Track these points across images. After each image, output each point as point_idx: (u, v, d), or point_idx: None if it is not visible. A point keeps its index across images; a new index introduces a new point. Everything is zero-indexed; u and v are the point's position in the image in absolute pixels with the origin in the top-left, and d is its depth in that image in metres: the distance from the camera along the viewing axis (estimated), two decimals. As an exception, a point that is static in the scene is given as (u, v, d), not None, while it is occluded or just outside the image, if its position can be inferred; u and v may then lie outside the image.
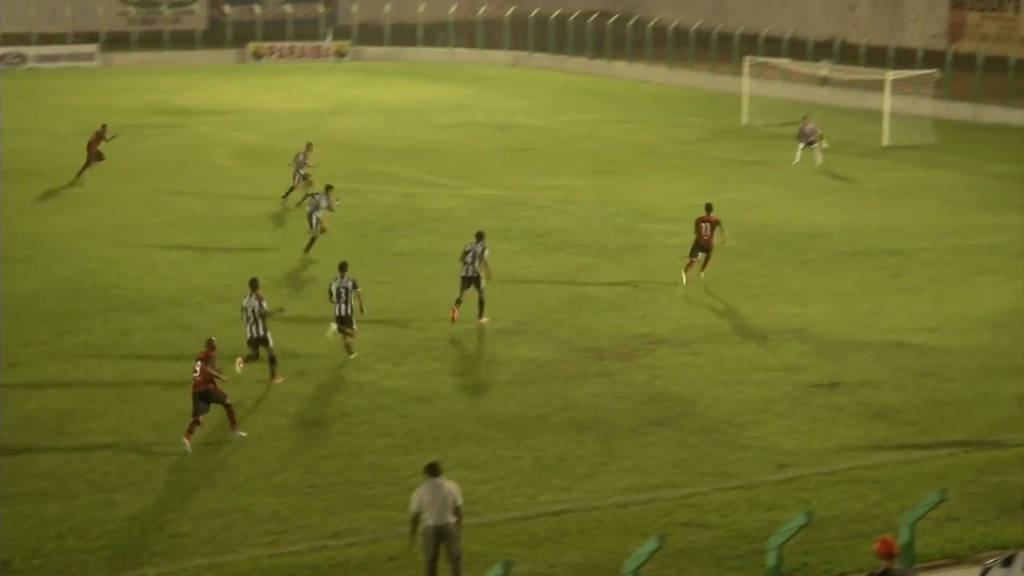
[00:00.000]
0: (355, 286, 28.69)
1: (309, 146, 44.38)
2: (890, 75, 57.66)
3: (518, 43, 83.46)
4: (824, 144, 51.06)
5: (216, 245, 38.36)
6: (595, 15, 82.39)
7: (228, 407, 24.51)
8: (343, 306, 28.57)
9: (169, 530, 21.07)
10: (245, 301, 27.32)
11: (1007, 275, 35.64)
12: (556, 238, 39.23)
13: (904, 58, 66.30)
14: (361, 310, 28.84)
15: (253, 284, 27.42)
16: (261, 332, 27.10)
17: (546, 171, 49.51)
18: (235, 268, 35.71)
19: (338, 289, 28.64)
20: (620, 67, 78.13)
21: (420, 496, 18.91)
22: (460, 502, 18.94)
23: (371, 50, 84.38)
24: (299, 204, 41.32)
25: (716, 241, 34.54)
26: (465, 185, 46.97)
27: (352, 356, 28.67)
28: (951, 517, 20.85)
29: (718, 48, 73.33)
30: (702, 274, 34.64)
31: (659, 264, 36.41)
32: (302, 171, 43.22)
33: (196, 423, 24.21)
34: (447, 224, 40.91)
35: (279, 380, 27.19)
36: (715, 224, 34.46)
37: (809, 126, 51.39)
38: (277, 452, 23.97)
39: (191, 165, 50.13)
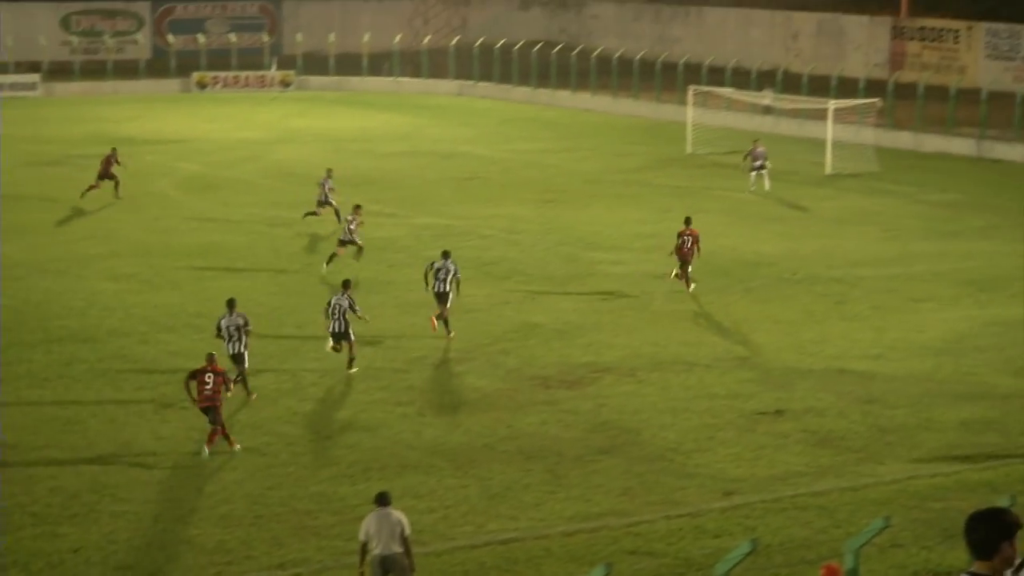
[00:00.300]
0: (352, 305, 29.69)
1: (329, 172, 44.95)
2: (832, 104, 58.10)
3: (463, 72, 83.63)
4: (767, 165, 51.52)
5: (161, 275, 38.18)
6: (539, 44, 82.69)
7: (217, 428, 25.02)
8: (337, 323, 29.47)
9: (113, 563, 20.90)
10: (224, 320, 27.94)
11: (949, 302, 35.94)
12: (502, 267, 39.28)
13: (846, 87, 66.82)
14: (365, 320, 30.04)
15: (231, 304, 28.26)
16: (240, 350, 27.82)
17: (492, 200, 49.58)
18: (180, 299, 35.56)
19: (334, 306, 29.61)
20: (565, 96, 78.43)
21: (367, 525, 18.97)
22: (408, 532, 18.94)
23: (316, 79, 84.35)
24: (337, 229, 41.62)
25: (692, 256, 36.11)
26: (411, 214, 46.96)
27: (353, 371, 29.45)
28: (895, 543, 20.97)
29: (662, 77, 73.70)
30: (690, 286, 36.14)
31: (605, 292, 36.52)
32: (329, 197, 43.80)
33: (216, 431, 25.04)
34: (393, 253, 40.88)
35: (230, 395, 27.02)
36: (695, 238, 36.17)
37: (759, 149, 51.86)
38: (222, 482, 23.85)
39: (135, 195, 49.87)
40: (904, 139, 63.95)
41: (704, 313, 34.73)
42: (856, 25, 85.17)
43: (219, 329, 28.11)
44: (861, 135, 59.25)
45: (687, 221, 36.87)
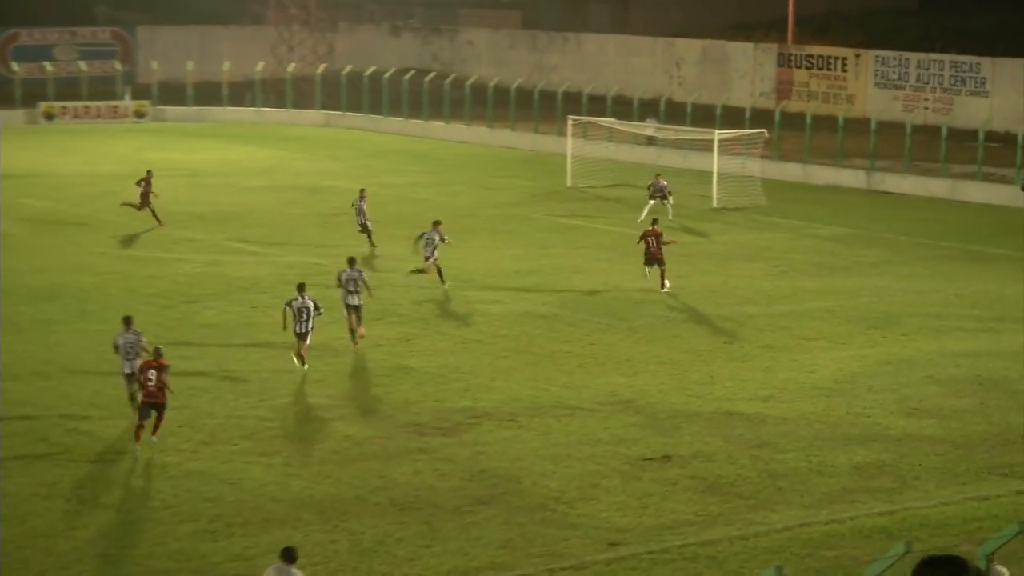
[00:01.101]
0: (316, 307, 32.66)
1: (363, 192, 48.24)
2: (718, 135, 58.75)
3: (330, 102, 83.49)
4: (671, 200, 52.26)
5: (4, 320, 37.55)
6: (411, 72, 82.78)
7: (162, 416, 27.51)
8: (303, 324, 32.41)
9: (-46, 630, 20.48)
10: (121, 339, 29.18)
11: (840, 340, 36.42)
12: (373, 308, 39.09)
13: (732, 117, 67.69)
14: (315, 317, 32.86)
15: (127, 321, 29.59)
16: (136, 369, 28.73)
17: (362, 237, 49.41)
18: (25, 344, 35.00)
19: (298, 308, 32.43)
20: (438, 127, 78.57)
21: None
22: None
23: (173, 110, 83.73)
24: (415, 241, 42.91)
25: (664, 251, 40.98)
26: (276, 252, 46.72)
27: (304, 367, 32.48)
28: (788, 593, 21.14)
29: (540, 107, 74.12)
30: (665, 287, 40.84)
31: (482, 334, 36.55)
32: (362, 217, 47.52)
33: (142, 428, 27.23)
34: (257, 294, 40.62)
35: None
36: (659, 236, 40.99)
37: (663, 182, 52.78)
38: (73, 541, 23.47)
39: (-23, 233, 49.10)
40: (792, 171, 64.85)
41: (586, 354, 34.86)
42: (741, 52, 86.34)
43: (116, 347, 29.24)
44: (748, 167, 59.99)
45: (654, 222, 42.21)
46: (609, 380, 32.70)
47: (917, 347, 35.81)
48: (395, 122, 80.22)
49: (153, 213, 50.63)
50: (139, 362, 28.62)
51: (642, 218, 51.71)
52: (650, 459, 27.45)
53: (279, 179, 63.03)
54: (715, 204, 56.52)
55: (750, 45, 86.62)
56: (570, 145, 63.52)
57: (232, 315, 38.29)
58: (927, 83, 77.76)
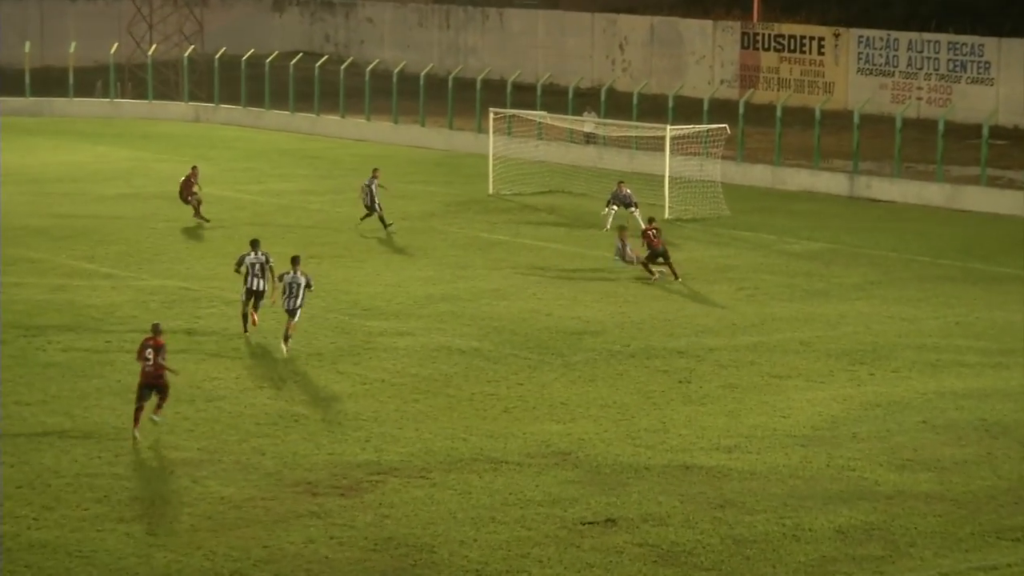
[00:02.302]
0: (308, 281, 37.85)
1: (375, 171, 54.30)
2: (670, 131, 58.98)
3: (200, 92, 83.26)
4: (637, 212, 52.35)
5: None
6: (298, 56, 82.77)
7: (165, 397, 31.40)
8: (292, 300, 37.56)
9: None
10: None
11: (817, 378, 36.66)
12: (253, 341, 39.16)
13: (687, 110, 68.00)
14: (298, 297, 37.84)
15: None
16: None
17: (239, 256, 49.31)
18: None
19: (289, 284, 37.69)
20: (331, 122, 78.51)
21: None
22: None
23: (7, 101, 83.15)
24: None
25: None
26: (135, 275, 46.55)
27: (287, 346, 37.56)
28: None
29: (455, 98, 74.18)
30: (679, 280, 45.98)
31: (386, 372, 36.58)
32: (369, 198, 53.41)
33: (141, 409, 31.08)
34: (113, 325, 40.47)
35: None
36: (659, 230, 46.97)
37: (626, 190, 53.05)
38: None
39: None
40: (760, 174, 65.27)
41: (514, 396, 34.93)
42: (697, 32, 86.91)
43: None
44: (707, 170, 60.31)
45: (650, 220, 47.63)
46: (541, 428, 32.76)
47: (910, 386, 36.11)
48: (280, 116, 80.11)
49: (196, 210, 54.78)
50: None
51: (607, 228, 52.16)
52: (591, 523, 27.52)
53: (139, 186, 62.80)
54: (667, 214, 56.71)
55: (708, 23, 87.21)
56: (492, 144, 63.62)
57: (82, 351, 38.10)
58: (920, 68, 78.57)
